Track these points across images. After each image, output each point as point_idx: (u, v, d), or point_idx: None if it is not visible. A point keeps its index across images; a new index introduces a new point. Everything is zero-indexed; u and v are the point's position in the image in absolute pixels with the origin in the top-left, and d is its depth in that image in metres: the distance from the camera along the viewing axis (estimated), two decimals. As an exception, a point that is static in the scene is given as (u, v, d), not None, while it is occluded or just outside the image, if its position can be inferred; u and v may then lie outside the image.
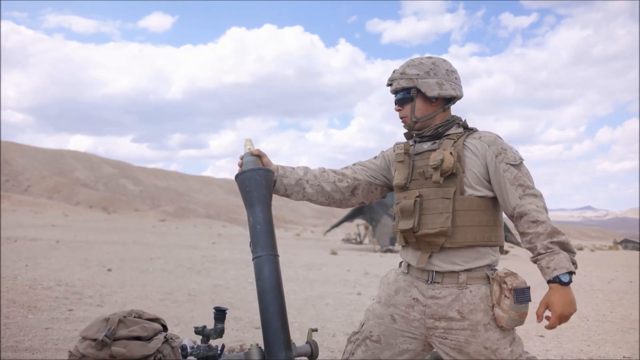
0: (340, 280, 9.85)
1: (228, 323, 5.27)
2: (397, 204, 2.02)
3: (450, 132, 2.02)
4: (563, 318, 1.78)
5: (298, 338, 2.26)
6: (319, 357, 2.00)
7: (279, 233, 44.71)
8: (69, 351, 1.90)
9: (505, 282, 1.82)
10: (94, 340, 1.86)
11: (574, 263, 1.80)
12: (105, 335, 1.85)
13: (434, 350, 2.01)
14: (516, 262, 18.65)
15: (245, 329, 5.03)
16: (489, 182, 1.92)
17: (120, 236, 21.68)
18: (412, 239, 1.95)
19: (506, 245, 26.34)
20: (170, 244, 18.48)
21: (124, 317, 1.98)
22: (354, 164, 2.22)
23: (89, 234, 20.93)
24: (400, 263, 2.12)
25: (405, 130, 2.11)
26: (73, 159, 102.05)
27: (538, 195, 1.87)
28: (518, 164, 1.90)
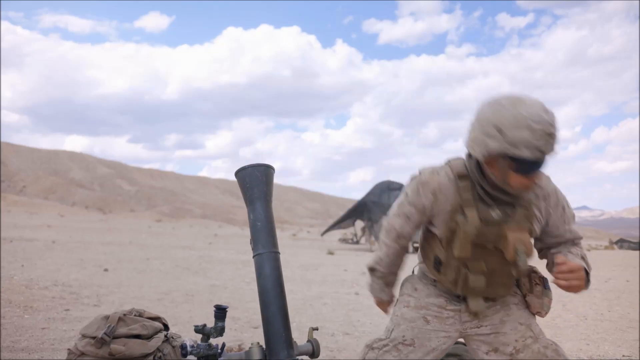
0: (337, 280, 9.83)
1: (226, 323, 5.24)
2: (458, 265, 1.83)
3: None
4: (574, 286, 1.75)
5: (297, 337, 2.24)
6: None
7: (275, 233, 44.71)
8: (68, 349, 1.87)
9: (535, 272, 1.92)
10: (94, 338, 1.83)
11: None
12: (105, 333, 1.82)
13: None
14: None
15: (243, 329, 5.00)
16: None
17: (116, 237, 21.60)
18: (477, 295, 1.89)
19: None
20: (167, 245, 18.42)
21: (125, 315, 1.96)
22: (399, 237, 2.01)
23: (85, 235, 20.85)
24: (414, 270, 2.11)
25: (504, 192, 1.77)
26: (68, 159, 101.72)
27: None
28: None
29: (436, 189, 1.81)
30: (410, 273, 2.15)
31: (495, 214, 1.75)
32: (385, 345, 1.97)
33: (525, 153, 1.59)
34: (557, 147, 1.65)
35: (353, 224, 29.33)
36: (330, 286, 8.78)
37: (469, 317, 1.92)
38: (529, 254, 1.73)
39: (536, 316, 1.96)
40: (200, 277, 9.13)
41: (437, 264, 1.87)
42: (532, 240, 1.86)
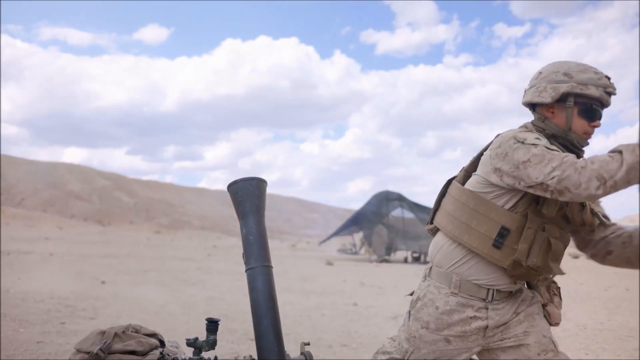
0: (336, 290, 9.79)
1: (222, 335, 5.21)
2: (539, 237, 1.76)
3: None
4: None
5: (294, 350, 2.23)
6: (314, 369, 1.96)
7: (274, 244, 44.58)
8: (61, 364, 1.86)
9: (554, 282, 1.94)
10: (88, 353, 1.82)
11: None
12: (100, 349, 1.81)
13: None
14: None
15: (240, 341, 4.98)
16: None
17: (115, 249, 21.54)
18: (538, 278, 1.89)
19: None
20: (165, 256, 18.37)
21: (122, 331, 1.95)
22: None
23: (83, 247, 20.79)
24: (427, 274, 1.95)
25: (582, 148, 1.87)
26: (67, 171, 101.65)
27: None
28: None
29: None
30: (422, 279, 1.98)
31: None
32: None
33: (593, 91, 1.77)
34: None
35: (352, 235, 29.32)
36: (329, 297, 8.75)
37: (492, 332, 1.84)
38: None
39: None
40: (198, 289, 9.10)
41: (501, 238, 1.75)
42: None
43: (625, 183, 1.52)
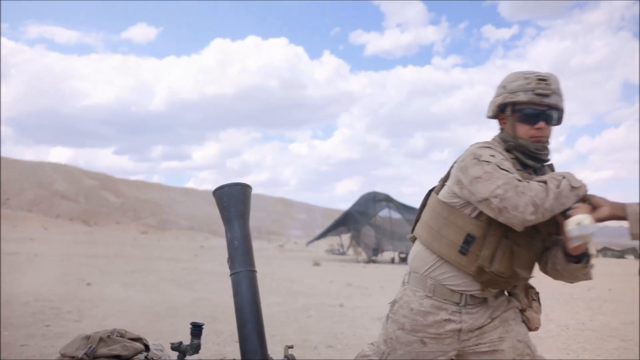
0: (323, 291, 9.83)
1: (209, 336, 5.22)
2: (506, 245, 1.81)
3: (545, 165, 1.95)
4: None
5: (280, 351, 2.26)
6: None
7: (262, 244, 44.52)
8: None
9: (532, 287, 1.94)
10: (73, 357, 1.83)
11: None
12: (85, 354, 1.83)
13: None
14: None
15: (226, 343, 4.99)
16: None
17: (101, 249, 21.41)
18: (506, 284, 1.87)
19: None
20: (152, 257, 18.29)
21: (107, 336, 1.96)
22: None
23: (69, 248, 20.64)
24: (406, 279, 2.01)
25: (534, 150, 1.88)
26: (53, 171, 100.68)
27: None
28: None
29: (504, 155, 1.86)
30: (401, 284, 2.05)
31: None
32: None
33: (522, 96, 1.83)
34: (557, 98, 1.82)
35: (339, 235, 29.38)
36: (316, 298, 8.78)
37: (467, 336, 1.88)
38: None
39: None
40: (184, 290, 9.09)
41: (466, 244, 1.80)
42: None
43: (550, 212, 1.64)
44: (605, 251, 41.38)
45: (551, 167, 1.95)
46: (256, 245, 41.36)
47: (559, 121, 1.90)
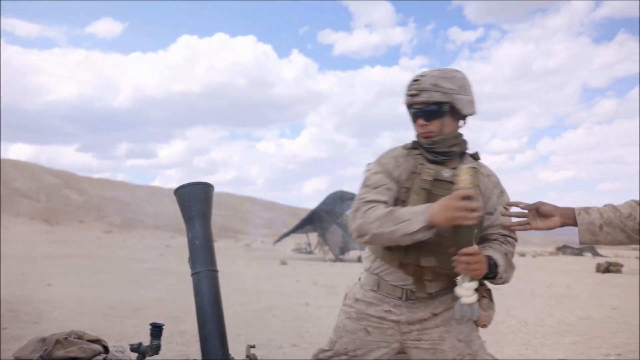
0: (289, 291, 9.83)
1: (172, 337, 5.17)
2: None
3: (463, 160, 1.96)
4: (475, 269, 1.72)
5: (244, 352, 2.25)
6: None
7: (228, 243, 44.17)
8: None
9: (482, 284, 1.90)
10: (28, 360, 1.80)
11: (504, 272, 1.83)
12: (40, 356, 1.79)
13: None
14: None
15: (190, 343, 4.95)
16: None
17: (63, 249, 20.91)
18: (429, 275, 1.86)
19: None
20: (116, 257, 17.96)
21: (64, 338, 1.92)
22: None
23: (29, 247, 20.08)
24: (360, 277, 2.08)
25: (418, 145, 1.96)
26: (13, 168, 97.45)
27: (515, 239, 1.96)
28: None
29: (397, 155, 1.96)
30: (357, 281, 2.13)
31: (446, 172, 1.85)
32: (329, 358, 2.00)
33: (404, 99, 1.96)
34: (429, 94, 1.86)
35: (306, 234, 29.40)
36: (282, 297, 8.78)
37: (408, 329, 1.93)
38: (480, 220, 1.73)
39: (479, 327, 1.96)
40: (148, 290, 8.96)
41: None
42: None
43: (382, 238, 1.76)
44: (564, 249, 42.55)
45: (474, 156, 2.00)
46: (223, 244, 40.99)
47: (455, 113, 1.89)
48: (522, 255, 37.11)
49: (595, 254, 37.69)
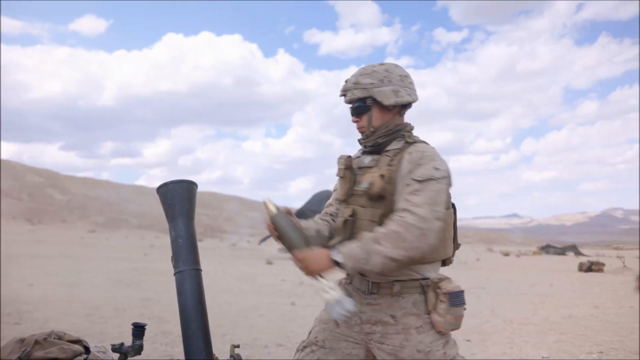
0: (274, 290, 9.80)
1: (157, 337, 5.12)
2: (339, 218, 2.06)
3: (390, 147, 1.97)
4: (305, 269, 1.80)
5: (228, 352, 2.24)
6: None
7: (214, 243, 43.96)
8: (-25, 375, 1.79)
9: (439, 287, 1.87)
10: (6, 362, 1.76)
11: (357, 260, 1.75)
12: (19, 357, 1.75)
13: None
14: (444, 269, 19.27)
15: (174, 343, 4.90)
16: None
17: (45, 249, 20.65)
18: None
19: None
20: (100, 257, 17.78)
21: (44, 338, 1.88)
22: (328, 214, 2.23)
23: (11, 247, 19.78)
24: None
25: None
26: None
27: (415, 214, 1.75)
28: (423, 181, 1.81)
29: (344, 155, 2.13)
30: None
31: (367, 160, 2.02)
32: (304, 347, 2.03)
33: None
34: (353, 92, 1.98)
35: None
36: (267, 297, 8.74)
37: (371, 329, 1.92)
38: (374, 189, 1.88)
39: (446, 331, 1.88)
40: (133, 290, 8.87)
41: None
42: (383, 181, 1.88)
43: None
44: (547, 248, 43.00)
45: (410, 141, 1.96)
46: (208, 244, 40.76)
47: (383, 106, 1.96)
48: (506, 254, 37.43)
49: (578, 253, 38.16)
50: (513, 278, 14.33)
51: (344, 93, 2.03)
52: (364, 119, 1.98)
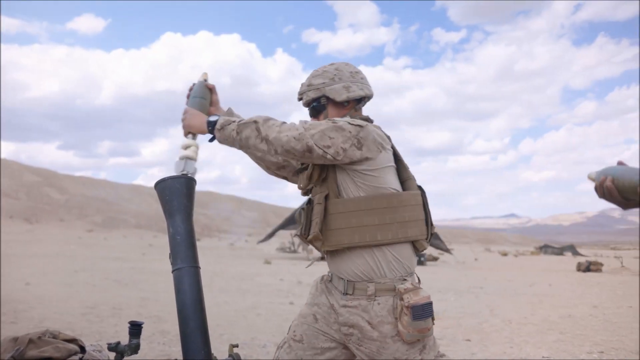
0: (273, 290, 9.77)
1: (154, 336, 5.09)
2: None
3: None
4: (183, 121, 2.05)
5: (227, 351, 2.22)
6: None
7: (212, 242, 43.91)
8: (-32, 374, 1.75)
9: (402, 299, 1.81)
10: (-2, 361, 1.73)
11: (223, 128, 1.91)
12: (12, 356, 1.72)
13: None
14: (443, 269, 19.25)
15: (172, 343, 4.87)
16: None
17: (43, 248, 20.60)
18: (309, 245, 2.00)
19: (435, 252, 27.10)
20: (97, 256, 17.73)
21: (38, 337, 1.85)
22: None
23: (8, 246, 19.72)
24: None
25: None
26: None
27: (304, 126, 1.85)
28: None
29: None
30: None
31: None
32: (284, 343, 2.01)
33: None
34: (306, 94, 2.06)
35: (290, 233, 29.32)
36: (266, 296, 8.71)
37: (349, 331, 1.88)
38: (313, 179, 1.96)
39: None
40: (130, 290, 8.83)
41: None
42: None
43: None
44: (545, 248, 43.06)
45: None
46: (207, 243, 40.68)
47: (337, 102, 2.03)
48: (504, 254, 37.46)
49: (576, 253, 38.22)
50: (511, 278, 14.32)
51: (300, 97, 2.11)
52: (322, 118, 2.05)
